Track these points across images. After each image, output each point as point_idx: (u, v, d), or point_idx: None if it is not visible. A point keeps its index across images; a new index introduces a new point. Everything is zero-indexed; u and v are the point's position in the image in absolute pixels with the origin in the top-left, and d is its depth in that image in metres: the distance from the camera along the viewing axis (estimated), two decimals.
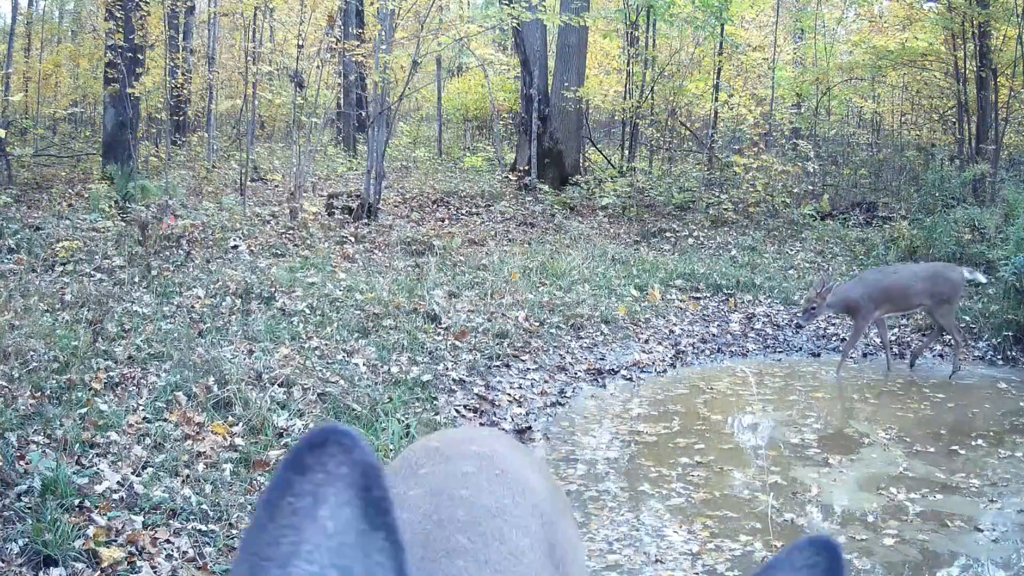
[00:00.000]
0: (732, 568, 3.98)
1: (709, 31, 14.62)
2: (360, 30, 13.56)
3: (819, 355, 7.91)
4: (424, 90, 20.07)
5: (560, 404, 6.31)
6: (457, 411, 5.77)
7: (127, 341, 5.44)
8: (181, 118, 15.27)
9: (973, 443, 5.66)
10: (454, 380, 6.13)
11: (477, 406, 5.89)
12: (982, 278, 8.05)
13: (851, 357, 7.58)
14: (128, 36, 10.49)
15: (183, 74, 13.71)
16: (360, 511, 0.54)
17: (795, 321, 7.80)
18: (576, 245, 10.55)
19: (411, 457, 1.43)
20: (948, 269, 7.62)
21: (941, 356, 7.87)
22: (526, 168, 14.04)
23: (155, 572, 3.24)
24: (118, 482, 3.75)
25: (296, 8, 13.66)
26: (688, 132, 16.86)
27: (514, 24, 12.31)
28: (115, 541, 3.36)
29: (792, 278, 9.89)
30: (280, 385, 5.13)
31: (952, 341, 7.52)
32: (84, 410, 4.36)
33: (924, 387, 6.90)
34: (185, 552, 3.42)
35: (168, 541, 3.46)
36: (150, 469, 3.95)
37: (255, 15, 13.18)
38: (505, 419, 5.81)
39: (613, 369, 7.15)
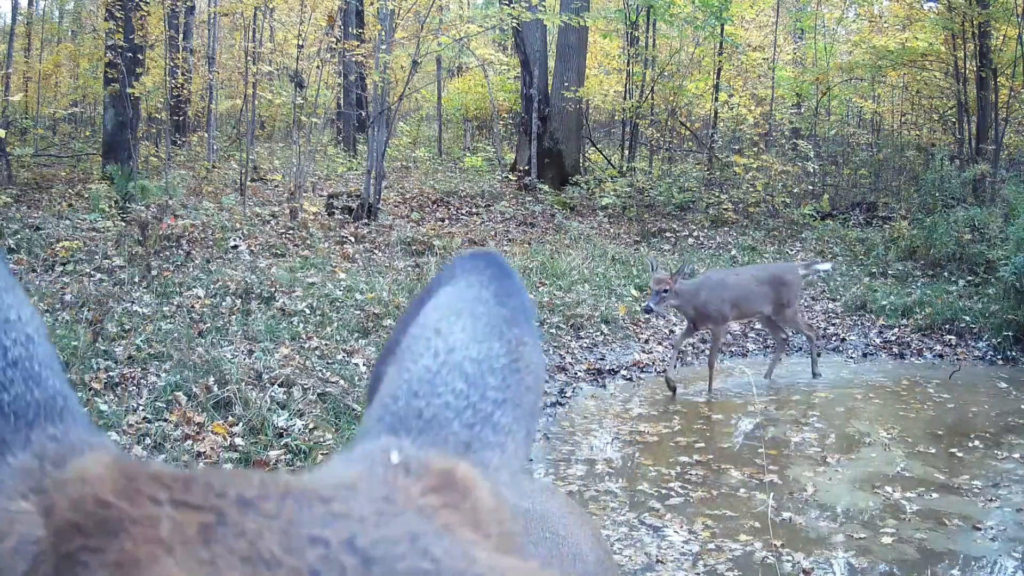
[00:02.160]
0: (732, 568, 3.98)
1: (709, 31, 14.62)
2: (360, 30, 13.56)
3: (819, 355, 7.90)
4: (424, 90, 20.06)
5: (560, 404, 6.31)
6: None
7: (127, 341, 5.44)
8: (181, 118, 15.27)
9: (973, 443, 5.66)
10: None
11: None
12: (824, 266, 7.75)
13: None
14: (128, 36, 10.48)
15: (183, 74, 13.71)
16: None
17: (643, 305, 6.96)
18: (576, 245, 10.55)
19: None
20: (784, 271, 7.25)
21: (941, 356, 7.87)
22: (526, 168, 14.04)
23: None
24: None
25: (296, 8, 13.66)
26: (688, 132, 16.85)
27: (514, 24, 12.30)
28: None
29: None
30: (280, 385, 5.13)
31: (807, 340, 7.23)
32: (84, 410, 4.36)
33: (928, 387, 6.90)
34: None
35: None
36: None
37: (255, 15, 13.18)
38: None
39: (613, 369, 7.15)
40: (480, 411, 0.47)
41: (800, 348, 8.08)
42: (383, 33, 10.68)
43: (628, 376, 7.03)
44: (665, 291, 6.42)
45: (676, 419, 6.13)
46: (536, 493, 1.39)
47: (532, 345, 0.50)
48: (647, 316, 7.55)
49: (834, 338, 8.29)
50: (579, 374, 6.92)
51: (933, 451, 5.52)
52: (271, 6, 13.80)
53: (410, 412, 0.46)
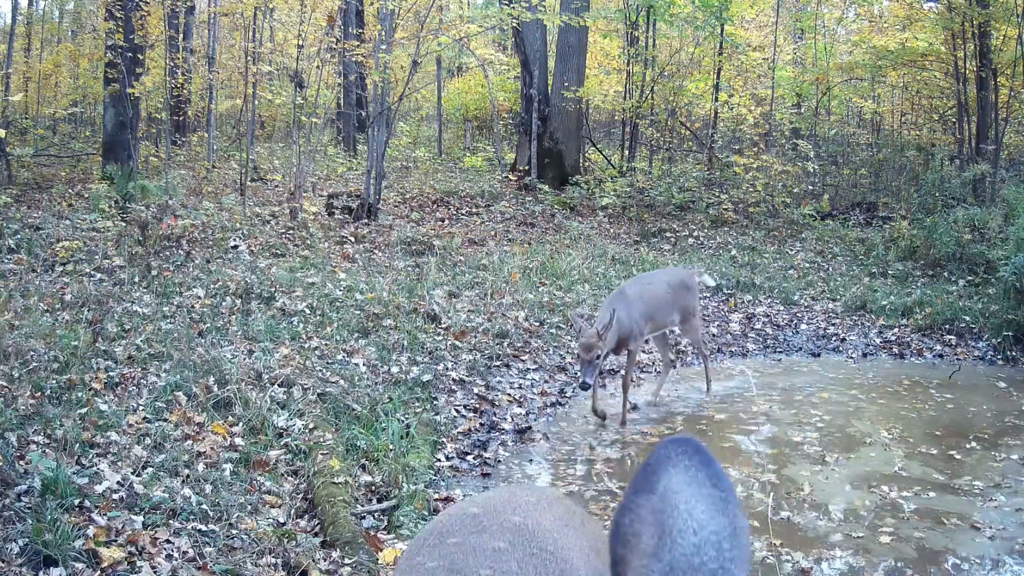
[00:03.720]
0: None
1: (709, 31, 14.62)
2: (360, 30, 13.56)
3: (819, 355, 7.90)
4: (424, 90, 20.07)
5: (560, 404, 6.31)
6: (457, 411, 5.78)
7: (127, 341, 5.44)
8: (181, 118, 15.28)
9: (972, 444, 5.66)
10: (454, 380, 6.14)
11: (477, 406, 5.90)
12: (710, 281, 7.32)
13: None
14: (128, 36, 10.49)
15: (183, 74, 13.71)
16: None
17: (579, 382, 5.77)
18: (576, 245, 10.55)
19: (445, 523, 1.32)
20: (688, 275, 6.73)
21: (941, 356, 7.87)
22: (526, 168, 14.04)
23: (155, 572, 3.25)
24: (118, 482, 3.75)
25: (296, 8, 13.66)
26: (688, 132, 16.86)
27: (514, 24, 12.31)
28: (115, 541, 3.37)
29: (792, 278, 9.89)
30: (280, 385, 5.13)
31: (700, 355, 6.64)
32: (84, 410, 4.36)
33: (930, 387, 6.90)
34: (185, 552, 3.43)
35: (168, 541, 3.46)
36: (150, 469, 3.96)
37: (255, 15, 13.18)
38: (505, 419, 5.81)
39: (613, 369, 7.15)
40: (727, 571, 0.68)
41: (800, 348, 8.08)
42: (383, 33, 10.68)
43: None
44: (597, 357, 5.52)
45: (679, 420, 6.14)
46: (531, 506, 1.36)
47: (741, 517, 0.73)
48: (584, 390, 5.96)
49: (834, 338, 8.30)
50: (579, 374, 6.91)
51: (934, 451, 5.52)
52: (271, 6, 13.81)
53: None
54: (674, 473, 0.72)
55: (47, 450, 3.88)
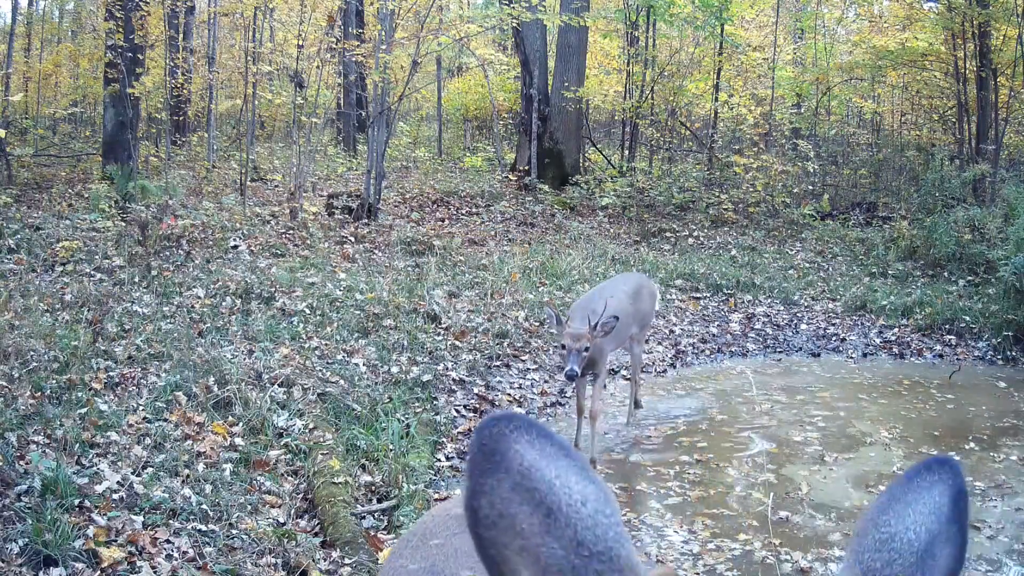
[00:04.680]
0: (732, 568, 3.98)
1: (709, 31, 14.62)
2: (360, 30, 13.56)
3: (819, 355, 7.90)
4: (424, 90, 20.06)
5: (560, 404, 6.31)
6: (457, 411, 5.78)
7: (127, 341, 5.44)
8: (181, 118, 15.27)
9: (972, 444, 5.66)
10: (454, 380, 6.14)
11: (477, 406, 5.90)
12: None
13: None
14: (128, 36, 10.48)
15: (183, 74, 13.71)
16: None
17: (565, 370, 5.01)
18: (576, 245, 10.55)
19: (429, 524, 1.32)
20: (646, 279, 6.25)
21: (941, 356, 7.87)
22: (526, 168, 14.04)
23: (155, 572, 3.25)
24: (118, 482, 3.75)
25: (296, 8, 13.66)
26: (688, 132, 16.85)
27: (514, 24, 12.31)
28: (115, 541, 3.37)
29: (792, 278, 9.89)
30: (280, 385, 5.13)
31: (633, 376, 6.18)
32: (84, 410, 4.36)
33: (930, 387, 6.90)
34: (185, 552, 3.43)
35: (168, 541, 3.46)
36: (150, 469, 3.96)
37: (255, 15, 13.18)
38: None
39: (613, 369, 7.15)
40: (619, 534, 0.68)
41: (800, 348, 8.07)
42: (383, 33, 10.68)
43: (628, 376, 7.02)
44: (586, 349, 4.98)
45: (675, 419, 6.14)
46: None
47: (602, 480, 0.72)
48: (570, 382, 5.46)
49: (834, 338, 8.29)
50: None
51: (934, 452, 5.52)
52: (271, 6, 13.81)
53: None
54: (521, 449, 0.67)
55: (47, 450, 3.88)
